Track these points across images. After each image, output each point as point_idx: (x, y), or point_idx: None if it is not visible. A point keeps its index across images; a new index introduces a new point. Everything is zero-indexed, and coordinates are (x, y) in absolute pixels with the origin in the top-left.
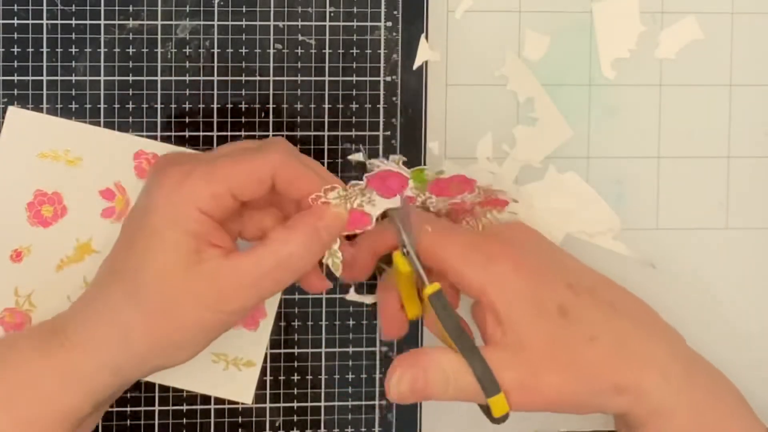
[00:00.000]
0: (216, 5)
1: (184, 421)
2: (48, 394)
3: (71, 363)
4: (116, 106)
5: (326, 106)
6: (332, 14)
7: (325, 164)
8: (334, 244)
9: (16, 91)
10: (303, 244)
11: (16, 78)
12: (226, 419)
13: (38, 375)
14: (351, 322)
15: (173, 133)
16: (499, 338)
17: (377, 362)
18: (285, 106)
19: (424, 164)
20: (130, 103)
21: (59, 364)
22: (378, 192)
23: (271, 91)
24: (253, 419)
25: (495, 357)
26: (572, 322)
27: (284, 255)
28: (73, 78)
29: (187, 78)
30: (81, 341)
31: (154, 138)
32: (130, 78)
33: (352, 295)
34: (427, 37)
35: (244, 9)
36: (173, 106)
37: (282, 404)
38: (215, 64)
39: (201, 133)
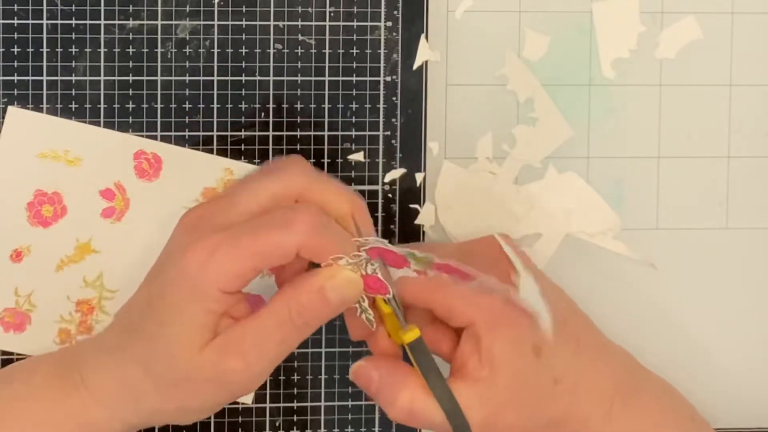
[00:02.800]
0: (216, 5)
1: None
2: None
3: (86, 411)
4: (116, 106)
5: (326, 106)
6: (332, 14)
7: (325, 164)
8: (363, 302)
9: (16, 91)
10: (305, 306)
11: (16, 78)
12: (226, 419)
13: (56, 423)
14: None
15: (173, 133)
16: (471, 368)
17: None
18: (285, 106)
19: (424, 167)
20: (130, 103)
21: (75, 412)
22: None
23: (271, 91)
24: (253, 419)
25: (465, 394)
26: (543, 364)
27: (287, 314)
28: (73, 78)
29: (187, 78)
30: (93, 391)
31: (154, 138)
32: (130, 78)
33: None
34: (427, 37)
35: (244, 9)
36: (173, 106)
37: (282, 404)
38: (215, 64)
39: (201, 133)
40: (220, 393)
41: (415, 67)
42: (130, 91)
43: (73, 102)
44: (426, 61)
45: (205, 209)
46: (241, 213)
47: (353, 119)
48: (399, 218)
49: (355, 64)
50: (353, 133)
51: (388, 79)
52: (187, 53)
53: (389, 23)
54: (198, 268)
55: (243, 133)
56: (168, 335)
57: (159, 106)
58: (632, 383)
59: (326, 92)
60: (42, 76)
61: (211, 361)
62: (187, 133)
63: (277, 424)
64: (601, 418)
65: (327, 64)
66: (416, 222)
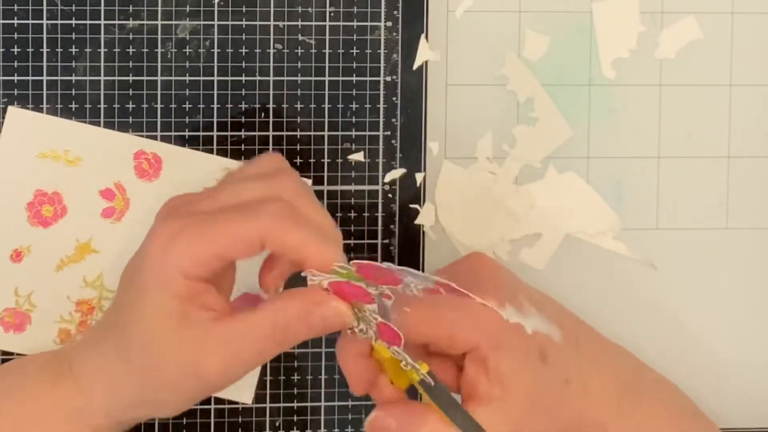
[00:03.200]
0: (216, 5)
1: (184, 420)
2: (54, 429)
3: (71, 399)
4: (116, 106)
5: (326, 106)
6: (332, 14)
7: (325, 164)
8: (407, 356)
9: (16, 91)
10: (289, 326)
11: (16, 78)
12: (226, 419)
13: (46, 410)
14: None
15: (173, 133)
16: (483, 390)
17: None
18: (285, 106)
19: (424, 167)
20: (130, 103)
21: (62, 398)
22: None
23: (271, 91)
24: (253, 419)
25: (484, 416)
26: (551, 367)
27: (270, 330)
28: (73, 78)
29: (187, 78)
30: (80, 380)
31: (154, 138)
32: (130, 78)
33: None
34: (427, 37)
35: (244, 9)
36: (173, 106)
37: (282, 404)
38: (215, 64)
39: (201, 133)
40: (194, 388)
41: (415, 67)
42: (130, 91)
43: (73, 102)
44: (426, 61)
45: (185, 198)
46: (219, 207)
47: (353, 119)
48: (399, 218)
49: (355, 64)
50: (353, 133)
51: (388, 79)
52: (187, 53)
53: (389, 23)
54: (160, 252)
55: (243, 133)
56: (138, 318)
57: (159, 106)
58: (636, 381)
59: (326, 92)
60: (42, 76)
61: (189, 355)
62: (187, 133)
63: (277, 424)
64: (613, 415)
65: (327, 64)
66: (416, 222)
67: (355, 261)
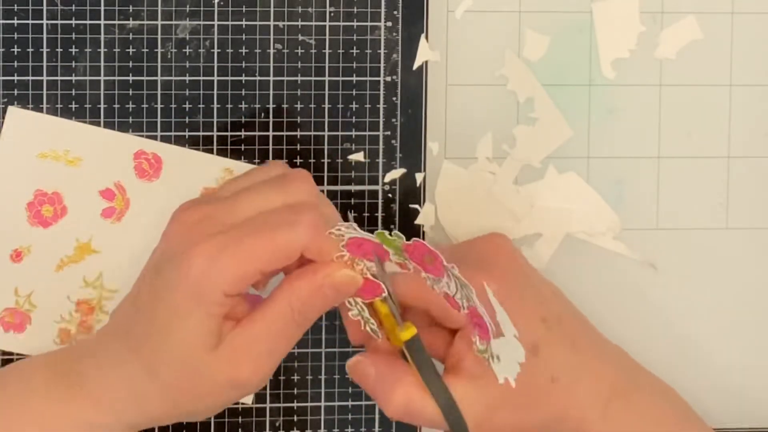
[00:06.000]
0: (216, 5)
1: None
2: None
3: (86, 414)
4: (116, 106)
5: (326, 106)
6: (332, 14)
7: (325, 164)
8: (364, 312)
9: (16, 91)
10: (306, 304)
11: (16, 78)
12: (226, 419)
13: (56, 425)
14: None
15: (173, 133)
16: (467, 365)
17: None
18: (285, 106)
19: (424, 167)
20: (130, 103)
21: (75, 414)
22: (367, 259)
23: (271, 91)
24: (253, 419)
25: (460, 390)
26: (540, 361)
27: (290, 314)
28: (73, 78)
29: (187, 78)
30: (96, 395)
31: (154, 138)
32: (130, 78)
33: None
34: (427, 37)
35: (244, 9)
36: (173, 106)
37: (282, 404)
38: (215, 64)
39: (201, 133)
40: (231, 396)
41: (415, 67)
42: (130, 91)
43: (73, 102)
44: (426, 61)
45: (204, 210)
46: (242, 219)
47: (353, 119)
48: (399, 218)
49: (355, 64)
50: (353, 133)
51: (388, 79)
52: (187, 53)
53: (389, 23)
54: (202, 272)
55: (243, 133)
56: (173, 340)
57: (159, 106)
58: (629, 382)
59: (326, 92)
60: (42, 76)
61: (224, 371)
62: (187, 133)
63: (277, 424)
64: (598, 417)
65: (327, 64)
66: (416, 222)
67: (416, 240)
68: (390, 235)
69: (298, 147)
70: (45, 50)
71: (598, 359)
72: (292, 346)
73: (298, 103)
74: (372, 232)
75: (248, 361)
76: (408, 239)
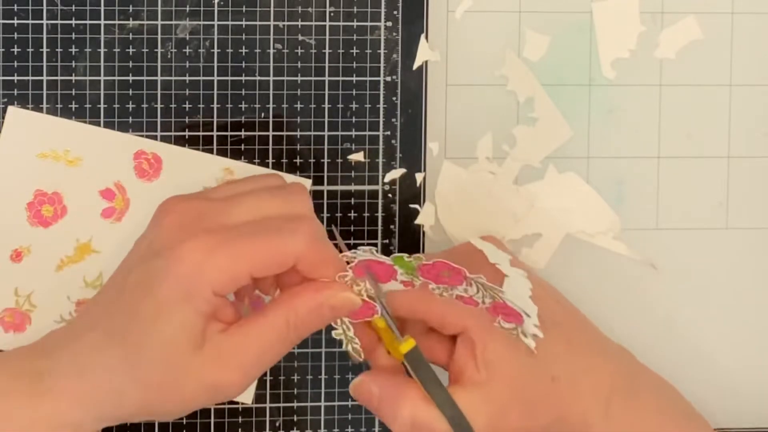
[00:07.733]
0: (216, 5)
1: (184, 421)
2: None
3: (60, 413)
4: (116, 106)
5: (326, 106)
6: (332, 14)
7: (325, 164)
8: (348, 331)
9: (16, 91)
10: (303, 322)
11: (16, 78)
12: (226, 419)
13: (29, 427)
14: None
15: (173, 133)
16: (469, 373)
17: None
18: (285, 106)
19: (424, 167)
20: (130, 103)
21: (48, 414)
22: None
23: (271, 91)
24: (253, 419)
25: (465, 399)
26: (539, 361)
27: (285, 329)
28: (73, 78)
29: (187, 78)
30: (70, 392)
31: (154, 138)
32: (130, 78)
33: None
34: (427, 37)
35: (244, 9)
36: (173, 106)
37: (282, 404)
38: (215, 64)
39: (201, 133)
40: (207, 401)
41: (415, 67)
42: (130, 91)
43: (73, 102)
44: (426, 61)
45: (199, 207)
46: (238, 221)
47: (353, 119)
48: (399, 218)
49: (355, 64)
50: (353, 133)
51: (388, 79)
52: (187, 53)
53: (389, 23)
54: (194, 267)
55: (243, 133)
56: (156, 334)
57: (159, 106)
58: (630, 381)
59: (326, 92)
60: (42, 76)
61: (208, 373)
62: (187, 133)
63: (277, 424)
64: (600, 415)
65: (327, 64)
66: (416, 222)
67: (436, 259)
68: (408, 257)
69: (298, 147)
70: (45, 50)
71: (598, 358)
72: (276, 361)
73: (298, 103)
74: (371, 232)
75: (235, 366)
76: (412, 243)
